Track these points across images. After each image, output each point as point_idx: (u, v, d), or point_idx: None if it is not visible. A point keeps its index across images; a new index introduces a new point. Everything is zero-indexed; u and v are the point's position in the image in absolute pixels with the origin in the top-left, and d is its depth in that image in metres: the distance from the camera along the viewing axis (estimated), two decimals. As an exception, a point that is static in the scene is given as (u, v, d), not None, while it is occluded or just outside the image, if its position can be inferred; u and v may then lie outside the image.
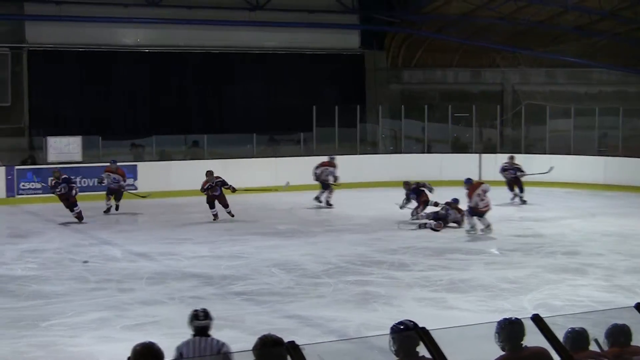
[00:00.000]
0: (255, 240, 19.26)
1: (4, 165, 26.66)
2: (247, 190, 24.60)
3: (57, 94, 29.59)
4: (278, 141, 32.96)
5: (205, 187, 22.26)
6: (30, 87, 29.62)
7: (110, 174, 23.68)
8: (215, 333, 11.48)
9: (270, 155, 31.17)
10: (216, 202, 22.38)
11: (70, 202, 21.95)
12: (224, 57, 32.24)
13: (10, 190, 26.20)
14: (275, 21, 32.17)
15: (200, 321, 8.12)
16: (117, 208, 23.66)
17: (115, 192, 23.79)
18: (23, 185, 26.32)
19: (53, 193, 22.19)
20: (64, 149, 27.94)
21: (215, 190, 22.31)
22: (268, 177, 28.64)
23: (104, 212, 23.53)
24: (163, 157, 29.76)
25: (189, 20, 30.90)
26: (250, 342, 5.74)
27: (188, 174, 27.83)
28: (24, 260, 16.91)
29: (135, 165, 27.93)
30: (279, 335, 5.66)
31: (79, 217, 21.92)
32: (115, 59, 30.66)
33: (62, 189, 21.82)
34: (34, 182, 26.44)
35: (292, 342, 5.46)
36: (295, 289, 14.40)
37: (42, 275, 15.45)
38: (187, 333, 11.50)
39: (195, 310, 8.24)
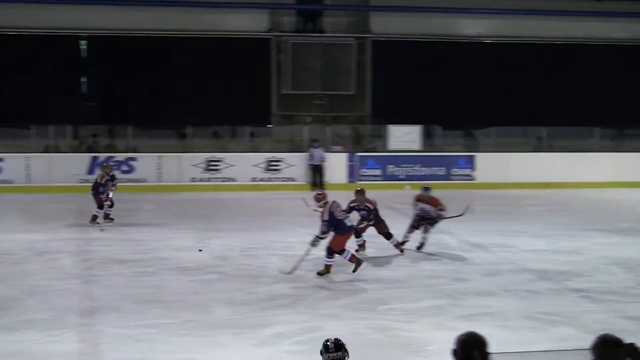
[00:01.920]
0: (594, 236, 18.65)
1: (346, 152, 27.61)
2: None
3: (399, 83, 30.16)
4: (623, 135, 31.75)
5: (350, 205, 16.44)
6: (373, 76, 30.44)
7: (420, 203, 16.86)
8: (550, 329, 11.28)
9: (613, 150, 30.08)
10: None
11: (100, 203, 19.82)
12: (567, 48, 31.47)
13: (352, 175, 27.12)
14: (622, 11, 30.98)
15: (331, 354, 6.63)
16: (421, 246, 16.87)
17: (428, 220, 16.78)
18: (363, 172, 27.13)
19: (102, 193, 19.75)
20: (404, 137, 28.45)
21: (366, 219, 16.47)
22: (610, 172, 27.74)
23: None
24: (502, 148, 29.45)
25: (534, 11, 30.43)
26: (586, 340, 5.52)
27: (527, 166, 27.62)
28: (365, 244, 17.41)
29: (473, 156, 27.97)
30: (617, 336, 5.39)
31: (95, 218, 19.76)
32: (456, 50, 30.77)
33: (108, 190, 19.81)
34: (374, 168, 27.22)
35: (632, 345, 5.24)
36: (636, 289, 13.79)
37: (383, 260, 15.85)
38: (520, 327, 11.38)
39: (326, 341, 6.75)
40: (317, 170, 26.83)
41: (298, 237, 18.10)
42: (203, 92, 29.09)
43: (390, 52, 30.11)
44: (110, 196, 19.71)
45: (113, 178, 20.16)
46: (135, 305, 12.53)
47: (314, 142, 27.27)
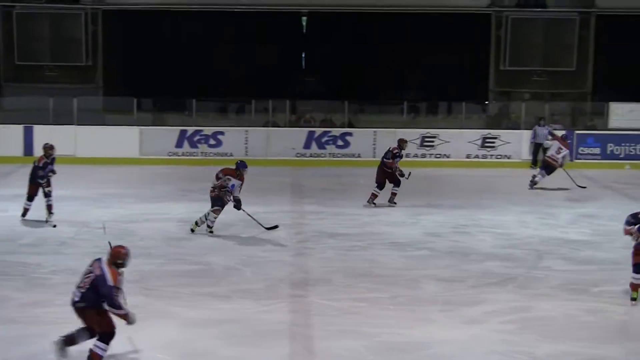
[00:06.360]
0: None
1: (565, 130, 26.81)
2: None
3: (622, 60, 29.08)
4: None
5: None
6: (596, 52, 29.60)
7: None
8: None
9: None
10: None
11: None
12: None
13: (570, 154, 26.39)
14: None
15: None
16: None
17: None
18: (582, 150, 26.36)
19: None
20: (626, 115, 27.45)
21: None
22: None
23: None
24: None
25: None
26: None
27: None
28: (578, 225, 17.01)
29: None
30: None
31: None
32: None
33: None
34: (594, 147, 26.40)
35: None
36: None
37: (594, 241, 15.43)
38: None
39: None
40: (539, 149, 25.97)
41: (512, 216, 17.90)
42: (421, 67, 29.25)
43: (615, 27, 29.04)
44: None
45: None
46: (346, 279, 12.73)
47: (540, 120, 26.38)
